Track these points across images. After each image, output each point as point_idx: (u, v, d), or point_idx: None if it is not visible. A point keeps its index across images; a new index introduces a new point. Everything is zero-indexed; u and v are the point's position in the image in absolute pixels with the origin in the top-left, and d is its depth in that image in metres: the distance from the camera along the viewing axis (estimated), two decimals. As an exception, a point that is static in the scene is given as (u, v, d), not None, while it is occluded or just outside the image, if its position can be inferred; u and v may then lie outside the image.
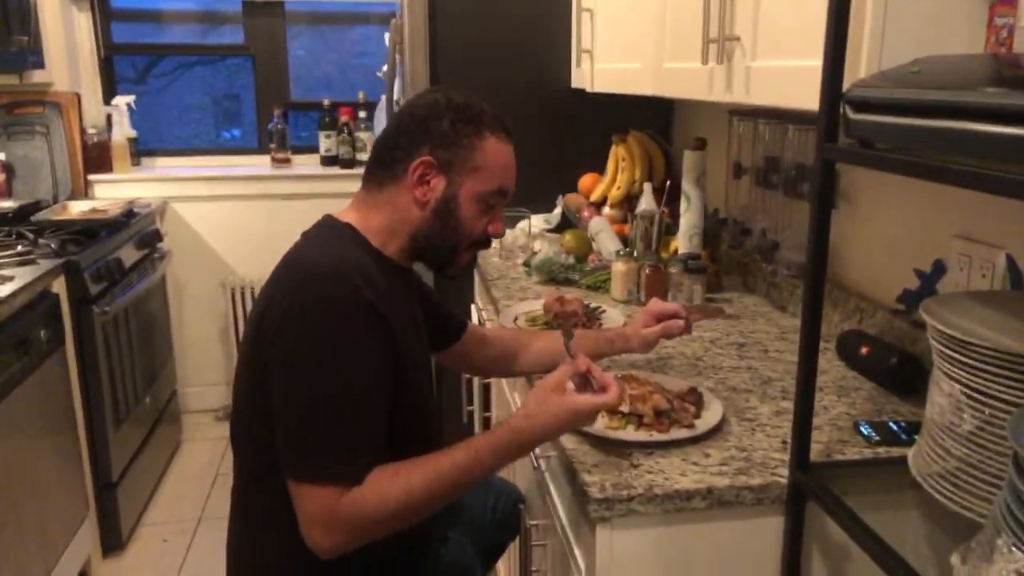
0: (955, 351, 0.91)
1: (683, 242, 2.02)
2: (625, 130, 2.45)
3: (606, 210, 2.44)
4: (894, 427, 1.22)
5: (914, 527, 1.04)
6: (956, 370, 0.92)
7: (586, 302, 1.80)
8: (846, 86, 0.93)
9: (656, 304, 1.43)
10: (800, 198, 1.67)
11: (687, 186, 1.98)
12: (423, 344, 1.27)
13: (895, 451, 1.16)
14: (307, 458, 1.05)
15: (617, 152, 2.44)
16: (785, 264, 1.71)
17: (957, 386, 0.93)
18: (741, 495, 1.08)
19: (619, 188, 2.43)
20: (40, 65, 2.84)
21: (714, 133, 2.09)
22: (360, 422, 1.06)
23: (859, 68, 0.98)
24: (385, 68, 2.79)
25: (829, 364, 1.51)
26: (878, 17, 0.95)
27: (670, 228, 2.15)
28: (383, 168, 1.19)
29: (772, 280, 1.88)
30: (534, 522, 1.45)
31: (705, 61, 1.37)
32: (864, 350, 1.44)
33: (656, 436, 1.19)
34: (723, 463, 1.13)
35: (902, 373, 1.35)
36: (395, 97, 2.58)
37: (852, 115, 0.91)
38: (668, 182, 2.15)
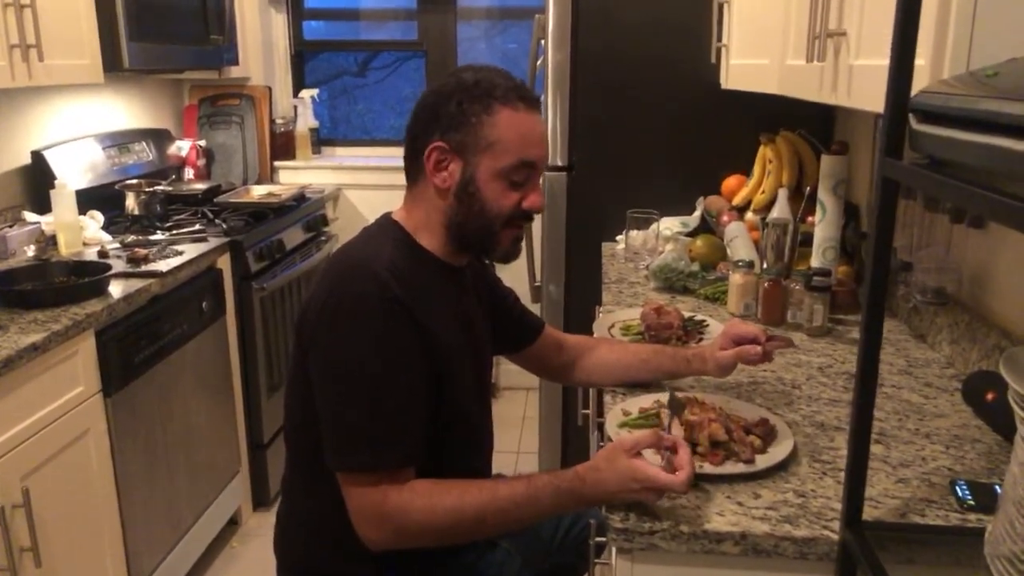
0: (1029, 414, 0.75)
1: (816, 256, 1.84)
2: (775, 129, 2.27)
3: (748, 215, 2.28)
4: (1000, 492, 1.03)
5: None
6: (1031, 436, 0.76)
7: (692, 314, 1.70)
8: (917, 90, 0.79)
9: (735, 326, 1.31)
10: (941, 212, 1.45)
11: (823, 195, 1.79)
12: (475, 345, 1.25)
13: (989, 520, 0.98)
14: (341, 448, 1.09)
15: (765, 153, 2.27)
16: (919, 288, 1.50)
17: (1032, 456, 0.77)
18: (781, 546, 0.97)
19: (764, 192, 2.25)
20: (234, 61, 3.14)
21: (865, 136, 1.88)
22: (390, 413, 1.07)
23: (943, 68, 0.83)
24: (540, 62, 2.79)
25: (953, 408, 1.32)
26: (966, 8, 0.80)
27: (809, 239, 1.96)
28: (410, 162, 1.19)
29: (913, 305, 1.66)
30: (601, 539, 1.39)
31: (810, 58, 1.23)
32: (991, 396, 1.23)
33: (707, 468, 1.10)
34: (771, 507, 1.02)
35: (1029, 428, 1.13)
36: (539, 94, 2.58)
37: (915, 126, 0.78)
38: (808, 188, 1.96)
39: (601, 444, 1.43)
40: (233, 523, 2.64)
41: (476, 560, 1.26)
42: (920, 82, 0.82)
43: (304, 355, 1.12)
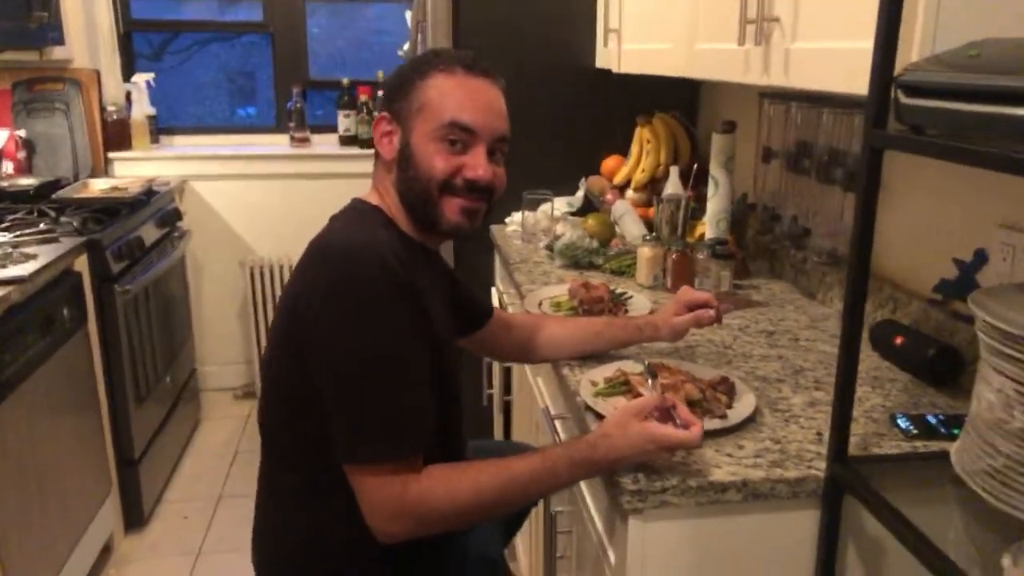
0: (1006, 346, 0.88)
1: (710, 227, 1.99)
2: (650, 112, 2.41)
3: (629, 193, 2.41)
4: (932, 420, 1.19)
5: (955, 524, 1.02)
6: (1007, 366, 0.89)
7: (611, 287, 1.78)
8: (898, 70, 0.90)
9: (687, 293, 1.40)
10: (832, 184, 1.63)
11: (715, 170, 1.94)
12: (451, 328, 1.25)
13: (933, 445, 1.14)
14: (355, 440, 1.04)
15: (642, 134, 2.41)
16: (816, 251, 1.67)
17: (1008, 382, 0.90)
18: (777, 488, 1.06)
19: (643, 171, 2.39)
20: (60, 41, 2.81)
21: (743, 116, 2.05)
22: (404, 401, 1.05)
23: (911, 51, 0.94)
24: (407, 47, 2.75)
25: (863, 354, 1.48)
26: (932, -3, 0.91)
27: (696, 213, 2.11)
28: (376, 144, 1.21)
29: (801, 267, 1.84)
30: (559, 508, 1.44)
31: (742, 42, 1.33)
32: (899, 340, 1.41)
33: (688, 426, 1.17)
34: (757, 455, 1.11)
35: (940, 365, 1.32)
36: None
37: (904, 100, 0.88)
38: (695, 165, 2.11)
39: (569, 423, 1.47)
40: (107, 550, 2.40)
41: (466, 538, 1.27)
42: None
43: (290, 350, 1.06)
